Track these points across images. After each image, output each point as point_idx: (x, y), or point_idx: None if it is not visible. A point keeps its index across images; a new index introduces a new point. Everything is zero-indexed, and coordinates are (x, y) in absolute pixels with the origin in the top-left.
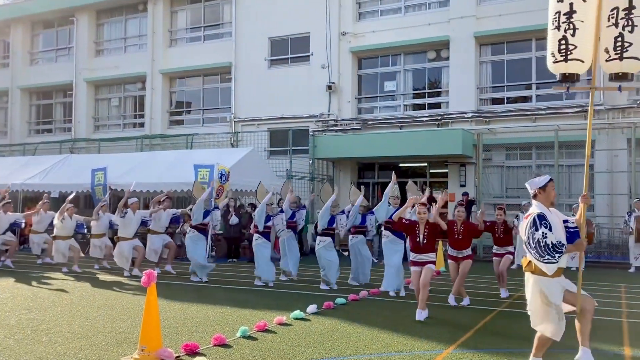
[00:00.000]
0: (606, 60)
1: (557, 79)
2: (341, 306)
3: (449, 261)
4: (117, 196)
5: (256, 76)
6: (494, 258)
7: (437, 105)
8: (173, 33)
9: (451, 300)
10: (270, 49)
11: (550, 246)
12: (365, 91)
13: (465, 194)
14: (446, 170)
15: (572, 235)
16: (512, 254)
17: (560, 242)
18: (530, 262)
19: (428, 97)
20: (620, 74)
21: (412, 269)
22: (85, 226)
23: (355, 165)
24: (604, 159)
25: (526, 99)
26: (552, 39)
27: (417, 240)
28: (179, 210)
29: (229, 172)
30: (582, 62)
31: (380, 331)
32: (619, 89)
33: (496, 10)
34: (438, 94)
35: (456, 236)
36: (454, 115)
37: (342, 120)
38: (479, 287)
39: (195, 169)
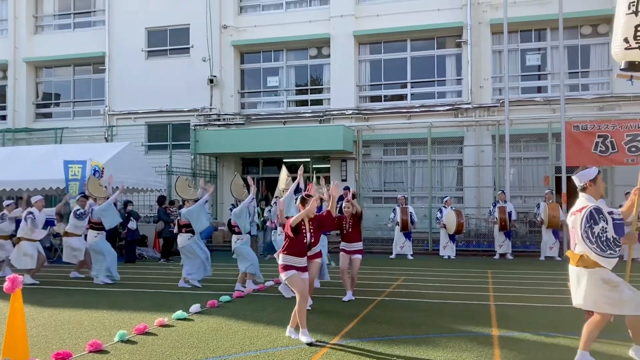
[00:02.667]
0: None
1: (622, 67)
2: (226, 304)
3: (341, 253)
4: None
5: (132, 67)
6: (341, 254)
7: (319, 102)
8: (39, 19)
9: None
10: (147, 40)
11: (611, 240)
12: (248, 86)
13: (347, 188)
14: (328, 166)
15: (616, 227)
16: (361, 252)
17: (618, 237)
18: (581, 256)
19: (310, 93)
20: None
21: (294, 274)
22: None
23: (238, 160)
24: (471, 154)
25: (402, 97)
26: (627, 24)
27: (305, 241)
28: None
29: (103, 168)
30: None
31: (265, 327)
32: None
33: (374, 10)
34: (320, 91)
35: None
36: (335, 112)
37: (225, 114)
38: (360, 277)
39: (65, 165)
